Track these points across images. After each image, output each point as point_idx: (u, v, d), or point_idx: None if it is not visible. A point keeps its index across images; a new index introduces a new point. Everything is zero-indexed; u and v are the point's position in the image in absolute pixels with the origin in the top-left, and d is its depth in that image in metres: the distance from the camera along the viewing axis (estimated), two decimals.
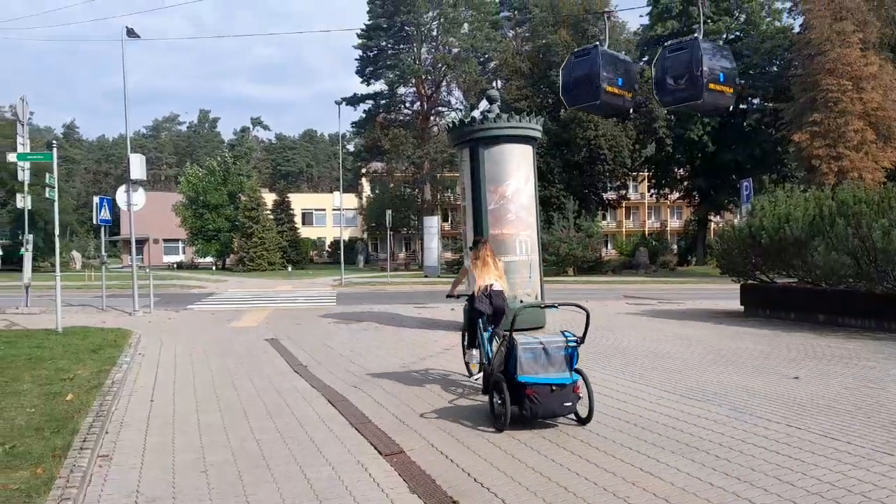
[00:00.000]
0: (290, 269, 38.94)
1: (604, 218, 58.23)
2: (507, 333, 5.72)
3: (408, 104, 51.65)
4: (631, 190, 58.58)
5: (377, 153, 51.21)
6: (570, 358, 5.51)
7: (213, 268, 46.98)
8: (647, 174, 50.42)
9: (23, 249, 16.64)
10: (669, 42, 11.43)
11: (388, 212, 35.85)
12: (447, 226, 62.05)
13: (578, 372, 5.51)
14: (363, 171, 55.40)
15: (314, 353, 9.63)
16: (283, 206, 50.66)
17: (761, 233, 12.80)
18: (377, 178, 54.34)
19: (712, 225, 51.53)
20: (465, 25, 48.80)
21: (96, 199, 17.16)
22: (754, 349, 9.54)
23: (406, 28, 47.21)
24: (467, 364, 7.30)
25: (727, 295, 18.88)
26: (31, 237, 16.36)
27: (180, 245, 60.51)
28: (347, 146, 63.35)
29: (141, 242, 54.41)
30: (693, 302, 18.29)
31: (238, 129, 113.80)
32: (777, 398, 6.47)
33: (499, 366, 5.68)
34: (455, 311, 14.53)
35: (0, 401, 6.27)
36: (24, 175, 15.53)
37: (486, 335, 6.79)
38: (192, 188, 47.62)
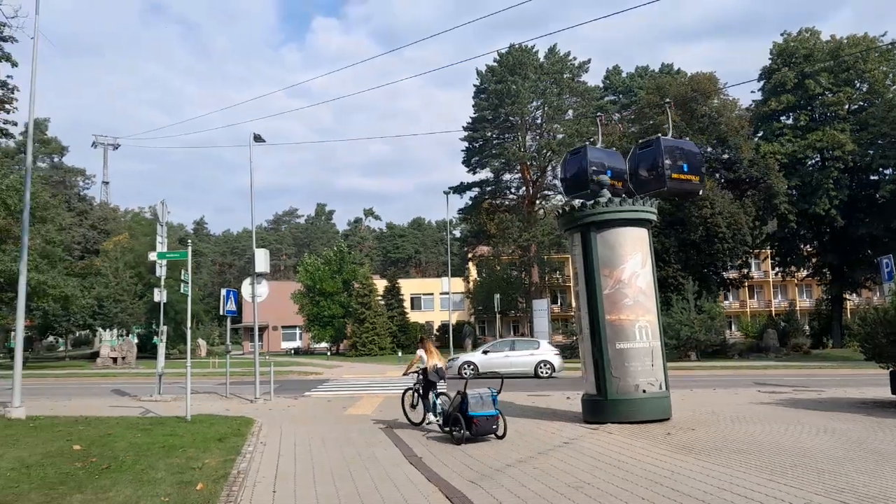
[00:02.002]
0: (399, 353, 39.43)
1: (725, 298, 55.26)
2: (462, 390, 9.62)
3: (513, 189, 52.42)
4: (753, 268, 55.56)
5: (483, 238, 51.90)
6: (494, 401, 9.63)
7: (328, 353, 48.37)
8: (769, 251, 47.67)
9: (156, 339, 17.78)
10: (641, 141, 13.23)
11: (497, 296, 35.76)
12: (557, 308, 61.08)
13: (499, 410, 9.68)
14: (470, 255, 56.17)
15: (428, 444, 9.52)
16: (393, 292, 51.94)
17: None
18: (484, 261, 54.77)
19: (848, 304, 47.59)
20: (570, 112, 49.53)
21: (223, 292, 18.05)
22: None
23: (511, 118, 48.52)
24: (407, 415, 11.53)
25: (874, 381, 17.16)
26: (165, 328, 17.49)
27: (297, 331, 62.99)
28: (454, 232, 64.71)
29: (261, 329, 57.09)
30: (835, 390, 16.70)
31: (351, 219, 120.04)
32: None
33: (455, 408, 9.64)
34: (572, 401, 14.03)
35: (138, 489, 6.59)
36: (161, 271, 16.85)
37: (434, 396, 10.98)
38: (310, 277, 50.01)
